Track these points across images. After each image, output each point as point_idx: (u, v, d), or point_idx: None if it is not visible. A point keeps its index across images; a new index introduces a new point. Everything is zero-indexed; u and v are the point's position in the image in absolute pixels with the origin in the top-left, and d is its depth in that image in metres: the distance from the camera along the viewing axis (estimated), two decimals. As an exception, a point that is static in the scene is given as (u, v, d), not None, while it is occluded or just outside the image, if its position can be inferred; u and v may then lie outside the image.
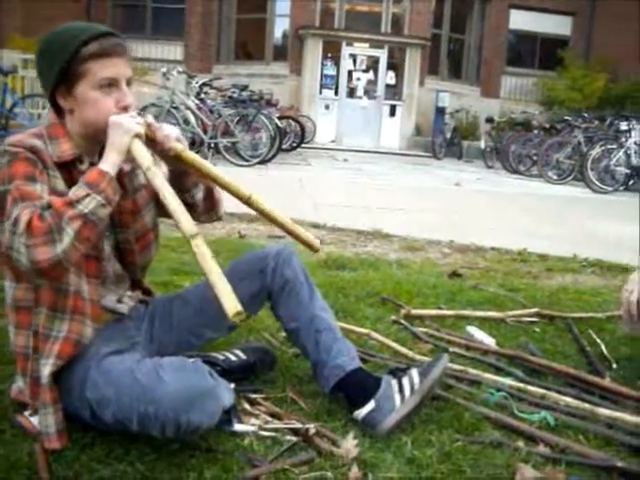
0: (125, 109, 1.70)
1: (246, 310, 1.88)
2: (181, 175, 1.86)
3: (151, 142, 1.74)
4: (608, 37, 18.65)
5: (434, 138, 16.40)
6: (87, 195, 1.57)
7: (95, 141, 1.74)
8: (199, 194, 1.93)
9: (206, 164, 1.82)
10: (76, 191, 1.58)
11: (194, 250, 1.57)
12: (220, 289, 1.52)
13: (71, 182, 1.67)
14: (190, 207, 1.87)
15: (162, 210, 1.88)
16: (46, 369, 1.66)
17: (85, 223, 1.56)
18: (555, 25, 20.25)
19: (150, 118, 1.76)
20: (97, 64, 1.65)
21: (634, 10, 17.23)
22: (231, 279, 1.90)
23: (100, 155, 1.70)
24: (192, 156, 1.79)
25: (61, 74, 1.66)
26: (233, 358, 2.11)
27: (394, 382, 1.88)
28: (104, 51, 1.65)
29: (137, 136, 1.67)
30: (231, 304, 1.50)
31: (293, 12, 18.05)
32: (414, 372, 1.89)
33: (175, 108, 10.48)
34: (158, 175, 1.66)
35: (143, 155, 1.68)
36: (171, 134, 1.75)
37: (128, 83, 1.73)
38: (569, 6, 19.63)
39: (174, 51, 18.33)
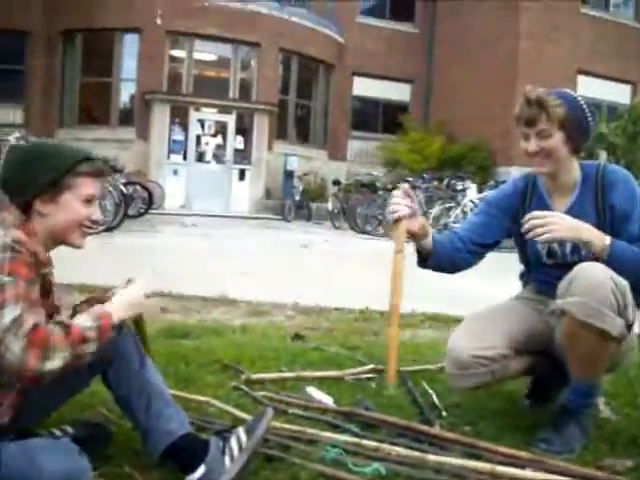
0: (94, 222, 1.95)
1: (79, 382, 2.00)
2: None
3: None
4: (444, 102, 20.03)
5: (284, 201, 16.73)
6: (92, 340, 1.69)
7: (55, 243, 1.90)
8: None
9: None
10: (88, 329, 1.69)
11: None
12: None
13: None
14: None
15: None
16: None
17: (77, 359, 1.66)
18: (396, 92, 21.54)
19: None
20: (86, 181, 1.86)
21: (467, 76, 18.68)
22: None
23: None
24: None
25: (52, 183, 1.80)
26: (58, 433, 2.04)
27: (222, 444, 1.94)
28: (95, 172, 1.89)
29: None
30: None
31: (139, 76, 17.93)
32: (240, 431, 1.96)
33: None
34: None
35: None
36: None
37: None
38: (408, 74, 20.99)
39: (13, 114, 17.67)
